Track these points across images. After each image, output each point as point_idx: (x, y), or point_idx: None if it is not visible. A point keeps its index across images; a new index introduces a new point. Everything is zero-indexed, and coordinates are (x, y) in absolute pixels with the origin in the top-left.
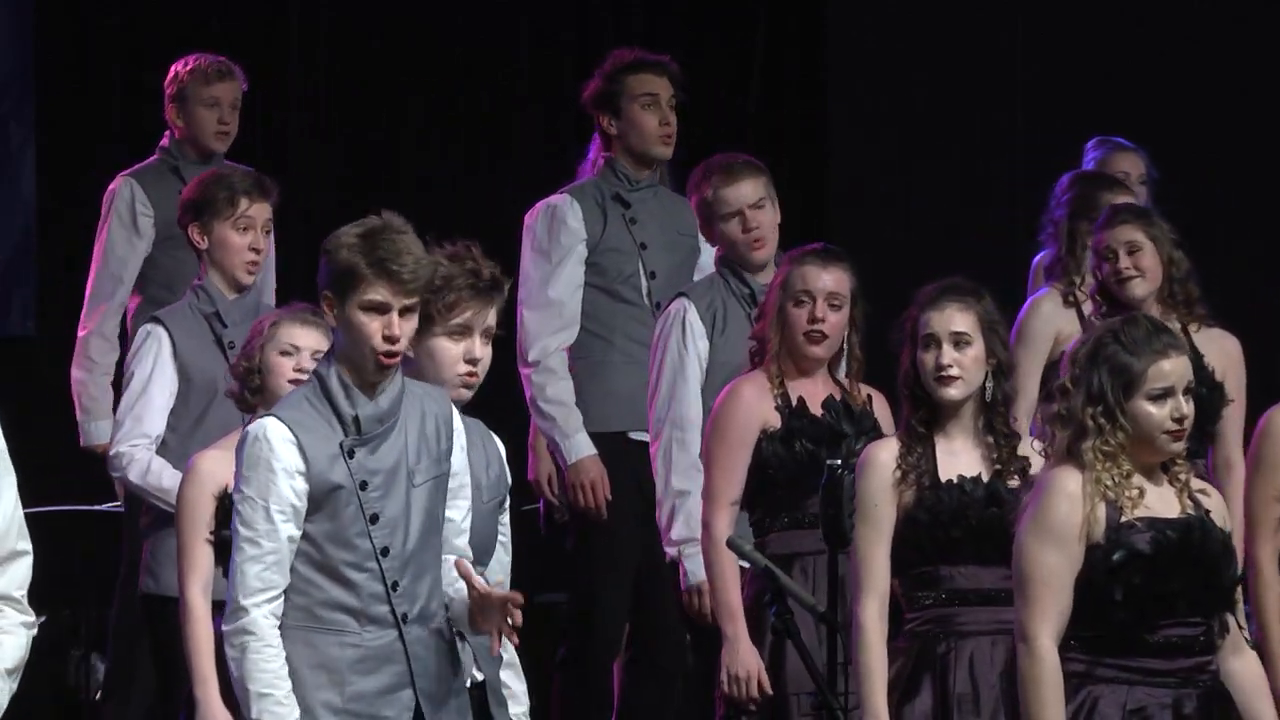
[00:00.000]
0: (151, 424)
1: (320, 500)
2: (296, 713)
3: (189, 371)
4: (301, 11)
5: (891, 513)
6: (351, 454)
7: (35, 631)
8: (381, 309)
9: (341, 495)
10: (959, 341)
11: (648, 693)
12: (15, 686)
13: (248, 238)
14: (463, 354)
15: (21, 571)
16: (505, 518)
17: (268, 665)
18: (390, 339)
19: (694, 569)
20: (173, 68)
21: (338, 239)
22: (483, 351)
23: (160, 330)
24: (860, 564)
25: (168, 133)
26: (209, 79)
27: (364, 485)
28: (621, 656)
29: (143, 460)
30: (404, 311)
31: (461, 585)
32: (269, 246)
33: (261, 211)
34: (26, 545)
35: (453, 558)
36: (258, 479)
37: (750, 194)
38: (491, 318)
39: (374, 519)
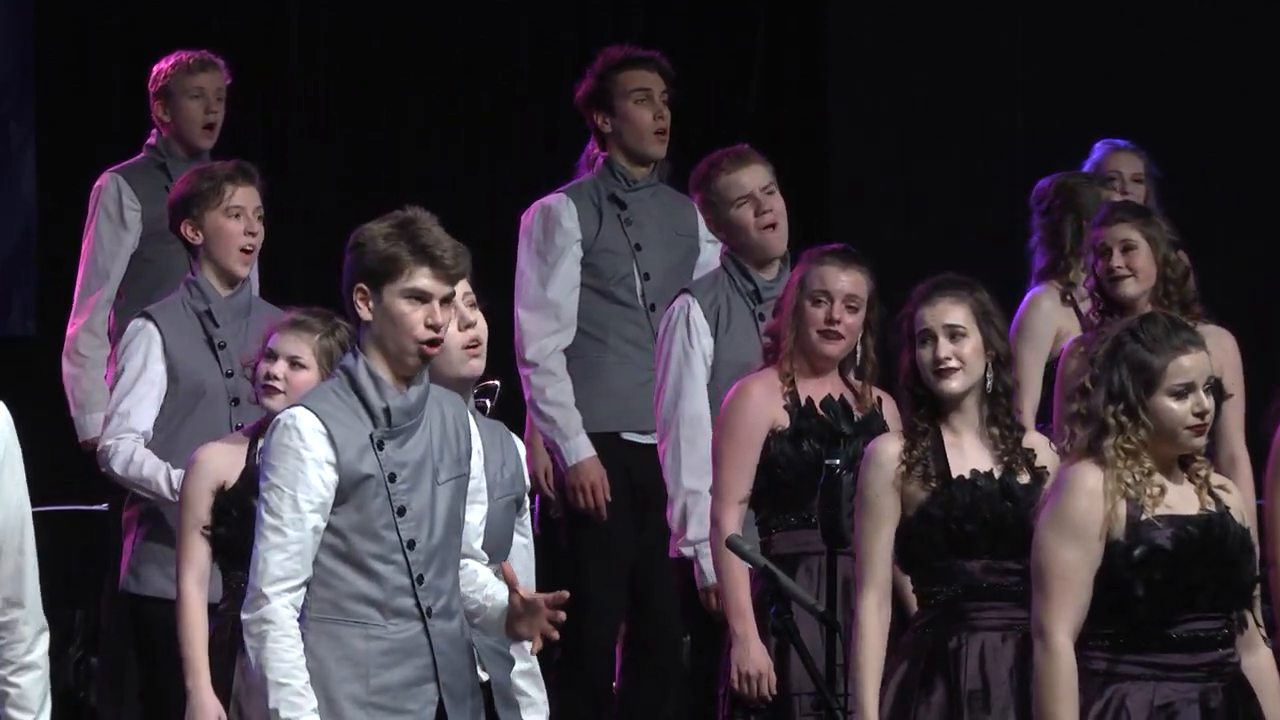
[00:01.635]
0: (139, 419)
1: (348, 491)
2: (314, 703)
3: (176, 370)
4: (301, 11)
5: (895, 506)
6: (381, 445)
7: None
8: (424, 297)
9: (370, 486)
10: (955, 334)
11: (646, 692)
12: None
13: (241, 224)
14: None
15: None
16: (526, 519)
17: (286, 655)
18: (434, 327)
19: (710, 568)
20: (155, 67)
21: (370, 232)
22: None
23: (150, 326)
24: (859, 557)
25: (154, 131)
26: (191, 70)
27: (392, 477)
28: (620, 656)
29: (125, 452)
30: (443, 302)
31: (491, 590)
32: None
33: (249, 197)
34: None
35: (472, 562)
36: (286, 468)
37: (763, 178)
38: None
39: (401, 511)
